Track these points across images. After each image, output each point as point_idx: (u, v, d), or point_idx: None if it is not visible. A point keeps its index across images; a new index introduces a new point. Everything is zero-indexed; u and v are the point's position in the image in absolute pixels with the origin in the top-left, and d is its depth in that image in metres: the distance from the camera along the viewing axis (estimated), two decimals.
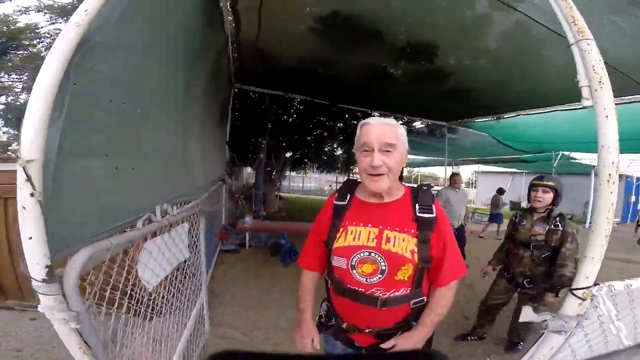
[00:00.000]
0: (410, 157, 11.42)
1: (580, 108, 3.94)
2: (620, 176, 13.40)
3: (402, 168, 1.16)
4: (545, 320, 0.99)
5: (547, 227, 2.15)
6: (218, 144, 4.38)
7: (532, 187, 2.27)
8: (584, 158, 9.44)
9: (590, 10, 1.80)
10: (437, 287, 1.08)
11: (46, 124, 0.69)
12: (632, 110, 3.65)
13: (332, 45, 2.94)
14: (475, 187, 24.73)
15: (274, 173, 7.95)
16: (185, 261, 1.94)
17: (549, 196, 2.19)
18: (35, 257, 0.71)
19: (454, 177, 4.45)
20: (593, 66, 0.90)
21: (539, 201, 2.20)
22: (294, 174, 16.03)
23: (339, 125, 7.71)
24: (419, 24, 2.49)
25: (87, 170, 0.90)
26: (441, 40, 2.68)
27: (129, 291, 1.23)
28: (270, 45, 3.22)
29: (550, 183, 2.21)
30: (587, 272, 0.92)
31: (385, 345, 1.06)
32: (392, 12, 2.36)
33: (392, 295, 1.01)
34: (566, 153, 8.50)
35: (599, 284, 0.95)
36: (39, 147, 0.67)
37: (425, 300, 1.08)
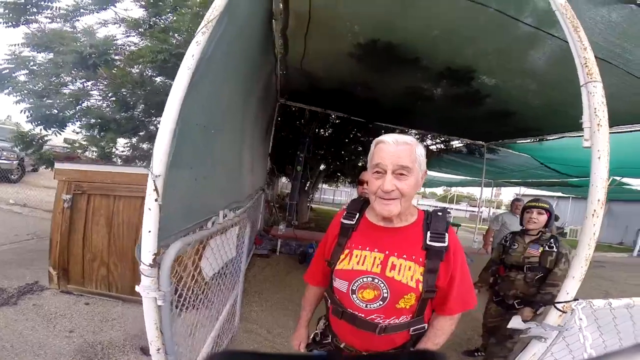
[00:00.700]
0: (448, 176, 11.25)
1: (626, 132, 3.84)
2: None
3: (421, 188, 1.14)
4: (530, 328, 1.14)
5: (541, 249, 2.17)
6: (262, 155, 4.72)
7: (526, 209, 2.33)
8: (638, 185, 8.77)
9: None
10: (439, 315, 1.06)
11: (169, 148, 0.94)
12: None
13: (371, 69, 3.15)
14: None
15: (307, 185, 8.23)
16: (230, 260, 2.18)
17: (544, 218, 2.24)
18: (149, 247, 0.96)
19: (515, 202, 4.36)
20: (595, 109, 1.02)
21: (534, 222, 2.24)
22: (326, 186, 16.29)
23: (370, 140, 7.86)
24: (457, 51, 2.62)
25: (179, 180, 1.15)
26: (479, 65, 2.79)
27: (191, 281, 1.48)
28: (314, 66, 3.49)
29: (544, 205, 2.28)
30: (569, 289, 1.09)
31: None
32: (430, 41, 2.53)
33: (392, 322, 0.99)
34: (617, 178, 7.96)
35: (578, 299, 1.08)
36: (164, 166, 0.93)
37: (425, 327, 1.06)
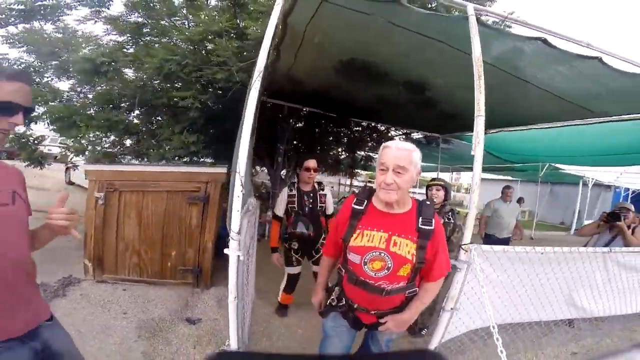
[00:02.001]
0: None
1: (555, 127, 4.89)
2: (609, 187, 14.30)
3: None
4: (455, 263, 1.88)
5: (442, 221, 2.52)
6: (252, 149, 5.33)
7: (428, 187, 2.98)
8: (571, 169, 10.35)
9: (543, 64, 2.76)
10: (426, 281, 1.40)
11: (247, 155, 1.63)
12: (620, 129, 4.45)
13: (348, 79, 3.89)
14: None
15: (285, 174, 8.86)
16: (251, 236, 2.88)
17: (442, 193, 2.86)
18: (236, 221, 1.64)
19: (506, 190, 4.92)
20: (478, 132, 1.82)
21: (436, 197, 2.84)
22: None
23: (342, 131, 8.60)
24: (414, 69, 3.44)
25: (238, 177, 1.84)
26: (430, 80, 3.64)
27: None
28: (299, 73, 4.14)
29: (440, 182, 2.93)
30: (467, 236, 1.83)
31: (382, 321, 1.42)
32: (395, 61, 3.32)
33: (394, 286, 1.31)
34: (553, 165, 9.43)
35: (473, 243, 1.85)
36: (244, 168, 1.61)
37: (417, 290, 1.41)
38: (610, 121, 3.89)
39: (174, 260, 3.28)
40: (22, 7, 3.52)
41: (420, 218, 1.32)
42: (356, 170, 10.78)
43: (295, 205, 2.96)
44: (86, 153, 4.10)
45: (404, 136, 8.12)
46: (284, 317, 3.19)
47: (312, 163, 2.99)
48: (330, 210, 3.18)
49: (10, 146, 4.30)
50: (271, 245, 3.06)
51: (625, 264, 3.04)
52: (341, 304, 1.45)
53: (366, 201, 1.38)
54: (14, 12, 3.54)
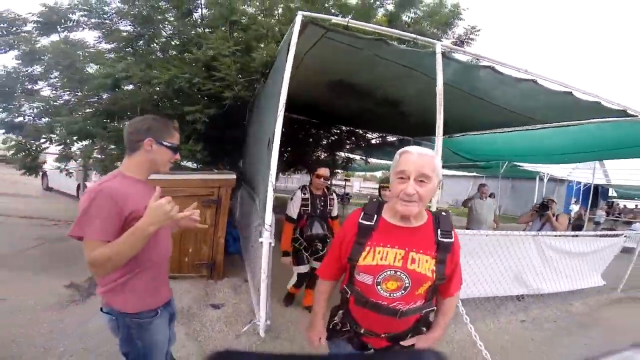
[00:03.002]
0: (386, 162, 13.29)
1: (510, 131, 5.82)
2: (563, 181, 15.99)
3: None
4: None
5: None
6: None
7: (381, 187, 3.37)
8: (527, 166, 11.66)
9: (496, 85, 3.55)
10: (446, 296, 1.27)
11: (276, 166, 2.23)
12: (562, 133, 5.33)
13: (336, 94, 4.57)
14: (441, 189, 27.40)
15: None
16: None
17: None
18: (269, 216, 2.25)
19: (481, 187, 5.33)
20: (437, 149, 2.53)
21: (389, 197, 3.55)
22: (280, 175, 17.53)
23: (323, 134, 9.27)
24: (390, 90, 4.20)
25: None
26: (404, 98, 4.40)
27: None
28: (293, 87, 4.75)
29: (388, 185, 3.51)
30: None
31: (405, 343, 1.24)
32: (375, 83, 4.05)
33: (410, 307, 1.16)
34: (515, 163, 10.65)
35: None
36: (274, 175, 2.22)
37: (433, 308, 1.25)
38: (550, 127, 4.85)
39: (191, 256, 3.69)
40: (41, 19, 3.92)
41: (439, 230, 1.20)
42: (336, 170, 11.48)
43: (309, 209, 3.14)
44: (90, 160, 4.47)
45: (380, 139, 8.96)
46: (288, 306, 3.44)
47: (323, 171, 3.20)
48: (335, 213, 3.38)
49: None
50: (284, 249, 3.16)
51: (556, 247, 3.92)
52: (345, 329, 1.29)
53: (376, 216, 1.22)
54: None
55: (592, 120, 4.43)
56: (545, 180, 13.32)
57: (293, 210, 3.14)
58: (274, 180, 2.26)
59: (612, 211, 15.92)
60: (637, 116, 4.19)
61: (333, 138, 9.10)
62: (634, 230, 8.21)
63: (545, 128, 4.87)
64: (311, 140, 9.21)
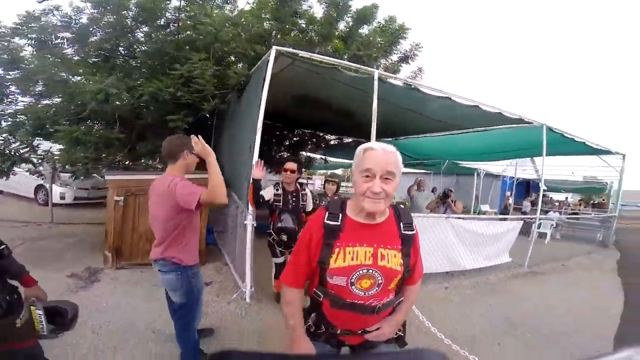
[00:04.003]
0: (346, 160, 14.48)
1: (443, 135, 7.15)
2: (498, 176, 18.21)
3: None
4: None
5: None
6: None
7: (326, 181, 4.01)
8: (465, 163, 13.42)
9: (424, 101, 4.70)
10: (409, 285, 1.33)
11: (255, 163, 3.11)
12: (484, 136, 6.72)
13: (300, 105, 5.50)
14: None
15: None
16: None
17: (335, 187, 3.95)
18: (249, 206, 3.14)
19: (420, 182, 6.19)
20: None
21: (331, 190, 3.92)
22: None
23: (286, 136, 10.13)
24: (346, 102, 5.22)
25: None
26: (357, 110, 5.45)
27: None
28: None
29: (335, 179, 3.97)
30: None
31: (372, 330, 1.27)
32: (334, 98, 5.05)
33: (384, 302, 1.21)
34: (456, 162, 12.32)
35: None
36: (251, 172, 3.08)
37: (402, 298, 1.32)
38: (468, 132, 6.19)
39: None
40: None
41: (402, 224, 1.24)
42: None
43: (281, 203, 3.33)
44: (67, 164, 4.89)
45: (338, 140, 10.06)
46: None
47: (290, 165, 3.37)
48: (309, 207, 3.54)
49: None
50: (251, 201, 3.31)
51: (467, 228, 5.08)
52: (320, 331, 1.30)
53: (340, 214, 1.21)
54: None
55: (498, 127, 5.80)
56: (482, 175, 15.26)
57: (266, 194, 3.30)
58: (250, 179, 3.10)
59: (537, 202, 18.16)
60: (532, 123, 5.62)
61: (295, 139, 9.96)
62: (550, 218, 9.98)
63: (465, 133, 6.21)
64: (274, 140, 10.07)
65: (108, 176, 4.15)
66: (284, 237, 3.31)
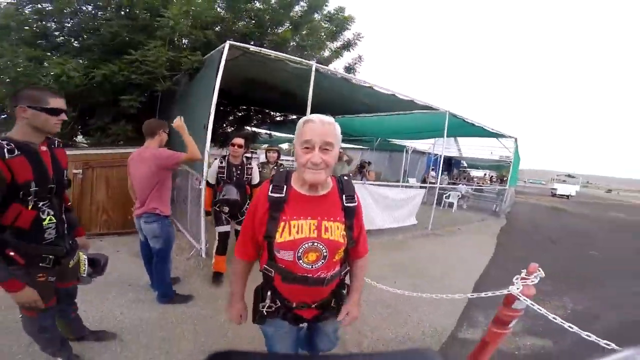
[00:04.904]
0: (292, 135, 15.25)
1: (374, 116, 8.36)
2: (424, 153, 20.42)
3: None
4: None
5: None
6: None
7: (267, 150, 4.51)
8: (397, 141, 15.10)
9: (355, 90, 5.76)
10: (355, 259, 1.40)
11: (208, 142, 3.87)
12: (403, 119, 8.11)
13: (249, 86, 6.19)
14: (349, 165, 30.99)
15: None
16: None
17: (276, 154, 4.47)
18: (206, 169, 3.88)
19: (340, 153, 6.90)
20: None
21: (272, 157, 4.43)
22: None
23: (230, 111, 10.54)
24: (290, 86, 6.04)
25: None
26: (298, 92, 6.26)
27: None
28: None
29: (275, 147, 4.65)
30: None
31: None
32: (278, 82, 5.84)
33: (332, 273, 1.25)
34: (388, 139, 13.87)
35: None
36: (207, 150, 3.83)
37: (347, 268, 1.39)
38: (390, 114, 7.45)
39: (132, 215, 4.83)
40: None
41: (344, 196, 1.26)
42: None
43: (225, 176, 3.44)
44: None
45: (283, 117, 10.80)
46: (220, 286, 3.43)
47: (237, 140, 3.51)
48: (255, 180, 3.63)
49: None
50: (206, 209, 3.65)
51: (379, 192, 6.30)
52: (277, 306, 1.32)
53: (285, 186, 1.21)
54: None
55: (412, 111, 7.11)
56: (410, 152, 17.19)
57: (210, 176, 3.54)
58: (208, 150, 3.74)
59: (453, 176, 20.91)
60: (438, 109, 7.01)
61: (240, 114, 10.33)
62: (457, 191, 11.93)
63: (386, 115, 7.48)
64: (218, 115, 10.46)
65: (67, 151, 4.47)
66: (226, 209, 3.42)
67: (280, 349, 1.40)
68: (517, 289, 1.84)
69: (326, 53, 7.70)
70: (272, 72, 5.33)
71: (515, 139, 10.84)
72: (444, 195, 11.37)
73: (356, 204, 1.30)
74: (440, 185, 9.19)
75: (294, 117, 10.57)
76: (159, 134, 2.78)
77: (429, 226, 7.35)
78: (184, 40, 5.65)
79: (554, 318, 1.84)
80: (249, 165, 3.61)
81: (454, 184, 14.28)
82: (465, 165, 25.19)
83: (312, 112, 5.03)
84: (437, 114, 7.05)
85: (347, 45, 7.85)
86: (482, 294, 2.22)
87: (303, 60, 4.77)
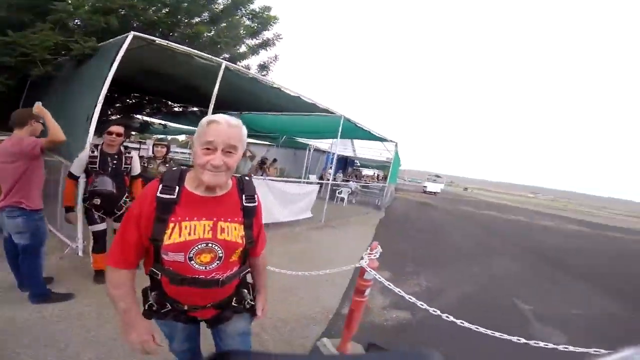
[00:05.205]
0: (191, 127, 14.51)
1: (277, 114, 8.80)
2: (324, 151, 21.82)
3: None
4: None
5: (167, 166, 3.78)
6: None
7: (155, 145, 4.22)
8: (301, 139, 15.82)
9: (262, 88, 6.07)
10: (255, 257, 1.39)
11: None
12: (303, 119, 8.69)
13: (150, 76, 5.92)
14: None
15: None
16: None
17: (165, 150, 4.20)
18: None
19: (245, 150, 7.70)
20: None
21: (160, 152, 4.14)
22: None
23: (118, 98, 9.60)
24: (191, 80, 6.02)
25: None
26: (200, 86, 6.30)
27: None
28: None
29: (164, 142, 4.25)
30: None
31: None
32: (179, 75, 5.76)
33: (228, 274, 1.21)
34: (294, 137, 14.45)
35: None
36: (89, 141, 3.73)
37: (248, 269, 1.37)
38: (296, 115, 8.07)
39: None
40: None
41: (244, 196, 1.24)
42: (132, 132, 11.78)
43: (97, 166, 3.07)
44: None
45: (182, 108, 10.34)
46: (100, 284, 3.13)
47: (115, 128, 3.14)
48: (136, 171, 3.38)
49: None
50: (65, 204, 3.10)
51: (278, 187, 6.74)
52: (166, 309, 1.24)
53: (177, 187, 1.13)
54: None
55: (312, 113, 7.85)
56: (312, 151, 18.25)
57: (75, 166, 3.10)
58: (90, 141, 3.43)
59: (347, 174, 22.87)
60: (334, 113, 7.87)
61: (130, 102, 9.61)
62: (347, 187, 13.14)
63: (292, 115, 8.09)
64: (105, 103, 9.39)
65: None
66: (97, 201, 3.09)
67: (178, 340, 1.41)
68: (365, 262, 2.33)
69: (242, 48, 7.79)
70: (177, 65, 5.24)
71: (396, 143, 12.59)
72: (337, 191, 12.61)
73: (256, 204, 1.29)
74: (333, 182, 10.25)
75: (195, 109, 10.29)
76: (30, 124, 2.59)
77: (322, 219, 8.05)
78: (78, 22, 5.10)
79: (409, 298, 2.29)
80: (127, 154, 3.28)
81: (347, 181, 15.71)
82: (359, 164, 27.42)
83: (217, 107, 5.42)
84: (334, 117, 7.92)
85: (265, 44, 8.06)
86: (336, 269, 2.95)
87: (213, 57, 4.88)
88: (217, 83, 4.88)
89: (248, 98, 7.16)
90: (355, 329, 2.53)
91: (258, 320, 1.47)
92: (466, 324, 2.09)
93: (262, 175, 7.12)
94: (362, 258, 2.35)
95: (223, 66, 4.94)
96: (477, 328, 2.05)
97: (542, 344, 1.90)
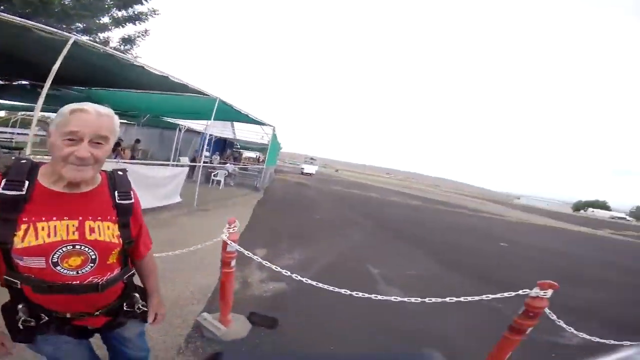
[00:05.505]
0: (19, 103, 11.65)
1: (142, 92, 8.01)
2: (199, 132, 20.74)
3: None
4: None
5: None
6: None
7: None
8: (170, 119, 14.68)
9: (124, 65, 5.49)
10: (138, 259, 1.29)
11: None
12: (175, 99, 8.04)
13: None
14: None
15: None
16: None
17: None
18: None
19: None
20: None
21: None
22: None
23: None
24: (25, 49, 5.06)
25: None
26: (36, 54, 5.30)
27: None
28: None
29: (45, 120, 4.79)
30: None
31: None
32: (8, 46, 4.76)
33: (109, 277, 1.10)
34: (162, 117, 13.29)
35: None
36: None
37: (133, 271, 1.25)
38: (163, 94, 7.58)
39: None
40: None
41: (116, 192, 1.12)
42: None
43: None
44: None
45: (7, 81, 8.35)
46: None
47: None
48: None
49: None
50: None
51: (139, 172, 5.99)
52: (42, 321, 1.08)
53: (27, 182, 0.98)
54: None
55: (185, 93, 7.52)
56: (183, 131, 17.16)
57: None
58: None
59: (225, 156, 22.52)
60: (209, 95, 7.71)
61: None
62: (224, 170, 13.03)
63: (159, 94, 7.56)
64: None
65: None
66: None
67: None
68: (226, 236, 2.43)
69: (105, 19, 6.82)
70: (9, 38, 4.39)
71: (274, 127, 13.10)
72: (212, 174, 12.42)
73: (132, 201, 1.17)
74: (208, 165, 10.02)
75: (26, 82, 8.56)
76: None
77: (194, 203, 7.77)
78: None
79: (282, 269, 2.53)
80: None
81: (224, 163, 15.55)
82: (239, 146, 27.29)
83: (57, 82, 4.76)
84: (209, 99, 7.77)
85: (136, 18, 7.34)
86: (200, 246, 3.11)
87: (58, 31, 4.25)
88: (60, 59, 4.25)
89: (101, 73, 6.36)
90: (231, 299, 2.66)
91: (155, 325, 1.40)
92: (331, 288, 2.49)
93: (115, 159, 6.50)
94: (222, 233, 2.51)
95: (71, 41, 4.33)
96: (344, 291, 2.47)
97: (384, 297, 2.48)
